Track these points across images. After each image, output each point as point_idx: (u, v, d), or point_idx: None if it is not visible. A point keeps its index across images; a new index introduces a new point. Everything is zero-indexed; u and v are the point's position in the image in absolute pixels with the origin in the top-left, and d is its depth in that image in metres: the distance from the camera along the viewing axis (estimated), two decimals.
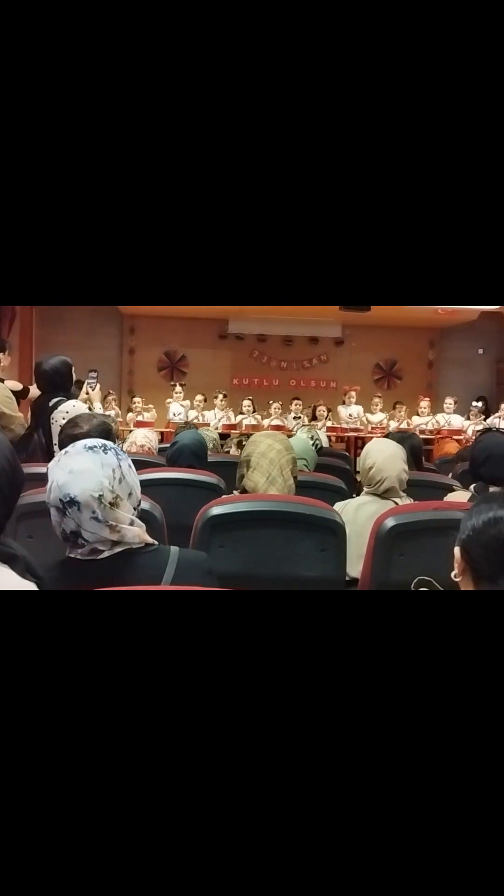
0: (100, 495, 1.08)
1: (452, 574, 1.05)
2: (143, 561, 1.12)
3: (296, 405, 7.96)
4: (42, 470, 2.25)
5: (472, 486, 2.22)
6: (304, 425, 6.68)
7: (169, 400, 7.77)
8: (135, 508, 1.15)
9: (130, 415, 7.55)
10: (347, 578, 1.96)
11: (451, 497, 2.30)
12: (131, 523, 1.13)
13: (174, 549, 1.17)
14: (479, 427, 6.95)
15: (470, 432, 7.03)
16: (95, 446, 1.13)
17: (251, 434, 2.61)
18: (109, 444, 1.16)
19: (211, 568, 1.20)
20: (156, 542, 1.16)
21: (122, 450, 1.17)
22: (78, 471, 1.09)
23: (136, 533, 1.13)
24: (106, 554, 1.11)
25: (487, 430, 2.55)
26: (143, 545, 1.14)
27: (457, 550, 1.04)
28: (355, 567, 1.97)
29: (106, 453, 1.12)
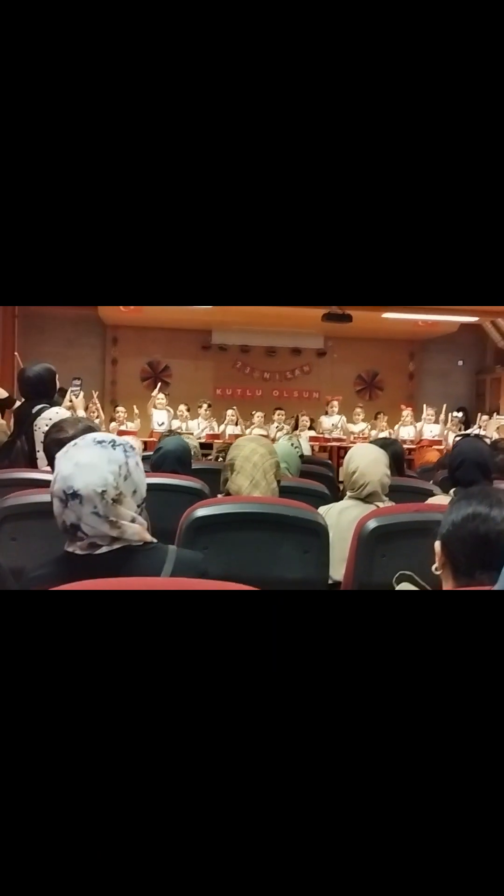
0: (102, 491, 1.07)
1: (433, 567, 1.07)
2: (141, 558, 1.12)
3: (278, 415, 8.01)
4: (25, 475, 2.25)
5: (451, 491, 2.25)
6: (285, 434, 6.73)
7: (154, 394, 7.78)
8: (138, 506, 1.15)
9: (113, 424, 7.54)
10: (330, 582, 1.98)
11: (432, 501, 2.33)
12: (132, 520, 1.12)
13: (172, 548, 1.17)
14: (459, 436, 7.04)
15: (451, 442, 7.12)
16: (104, 441, 1.13)
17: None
18: (119, 439, 1.15)
19: (206, 569, 1.20)
20: (155, 540, 1.16)
21: (131, 447, 1.16)
22: (84, 464, 1.09)
23: (137, 530, 1.12)
24: (104, 549, 1.10)
25: (465, 436, 2.60)
26: (143, 543, 1.14)
27: (437, 545, 1.07)
28: (338, 570, 1.99)
29: (114, 449, 1.12)
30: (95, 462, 1.09)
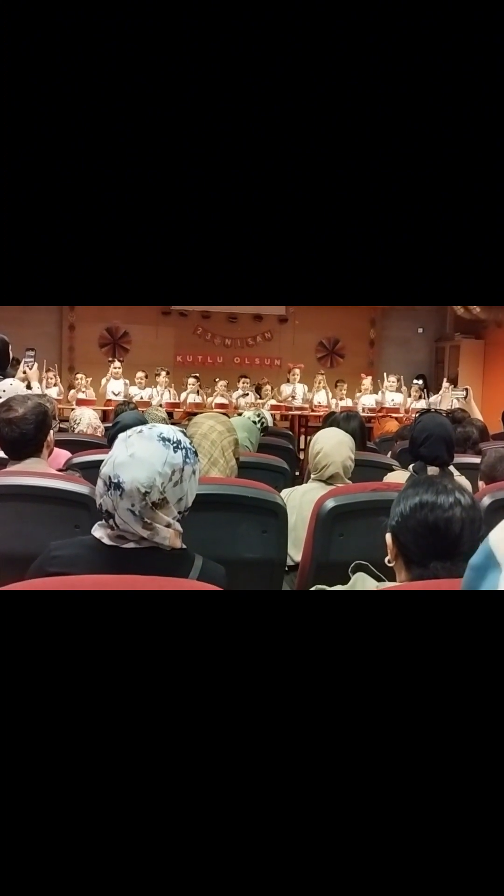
0: (146, 492, 1.03)
1: (386, 560, 1.07)
2: (165, 563, 1.08)
3: (243, 383, 7.93)
4: None
5: (411, 466, 2.27)
6: (252, 404, 6.70)
7: (112, 375, 7.60)
8: (180, 513, 1.10)
9: (72, 391, 7.38)
10: (291, 563, 1.98)
11: (391, 477, 2.35)
12: (168, 525, 1.08)
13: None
14: (420, 405, 7.11)
15: (410, 407, 7.19)
16: (170, 440, 1.08)
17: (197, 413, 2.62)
18: (185, 442, 1.10)
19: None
20: (184, 547, 1.12)
21: (194, 453, 1.11)
22: (138, 457, 1.05)
23: (169, 535, 1.08)
24: (131, 545, 1.06)
25: (426, 412, 2.62)
26: (171, 548, 1.09)
27: (388, 537, 1.06)
28: (301, 552, 1.99)
29: (175, 451, 1.07)
30: (150, 459, 1.05)
